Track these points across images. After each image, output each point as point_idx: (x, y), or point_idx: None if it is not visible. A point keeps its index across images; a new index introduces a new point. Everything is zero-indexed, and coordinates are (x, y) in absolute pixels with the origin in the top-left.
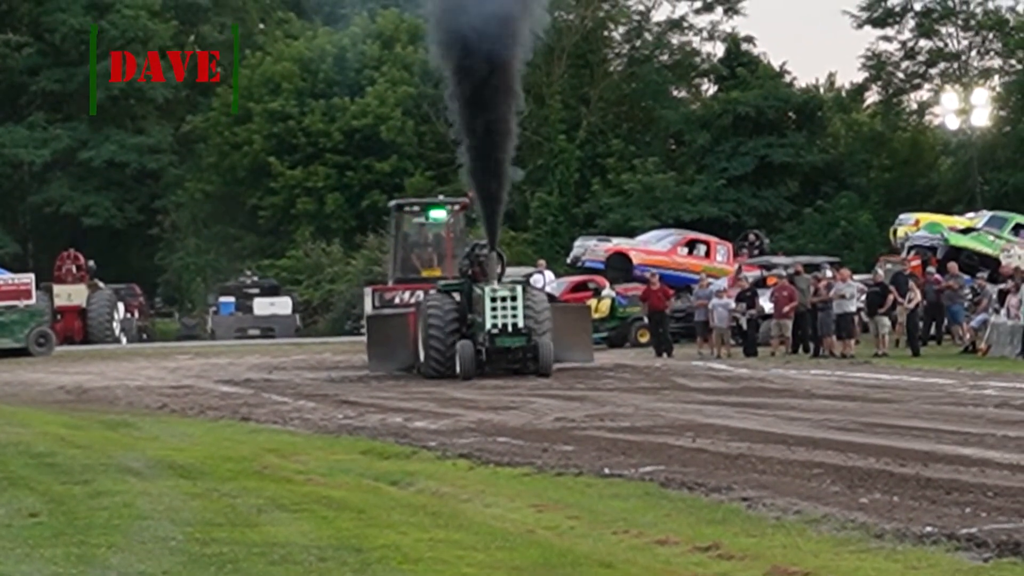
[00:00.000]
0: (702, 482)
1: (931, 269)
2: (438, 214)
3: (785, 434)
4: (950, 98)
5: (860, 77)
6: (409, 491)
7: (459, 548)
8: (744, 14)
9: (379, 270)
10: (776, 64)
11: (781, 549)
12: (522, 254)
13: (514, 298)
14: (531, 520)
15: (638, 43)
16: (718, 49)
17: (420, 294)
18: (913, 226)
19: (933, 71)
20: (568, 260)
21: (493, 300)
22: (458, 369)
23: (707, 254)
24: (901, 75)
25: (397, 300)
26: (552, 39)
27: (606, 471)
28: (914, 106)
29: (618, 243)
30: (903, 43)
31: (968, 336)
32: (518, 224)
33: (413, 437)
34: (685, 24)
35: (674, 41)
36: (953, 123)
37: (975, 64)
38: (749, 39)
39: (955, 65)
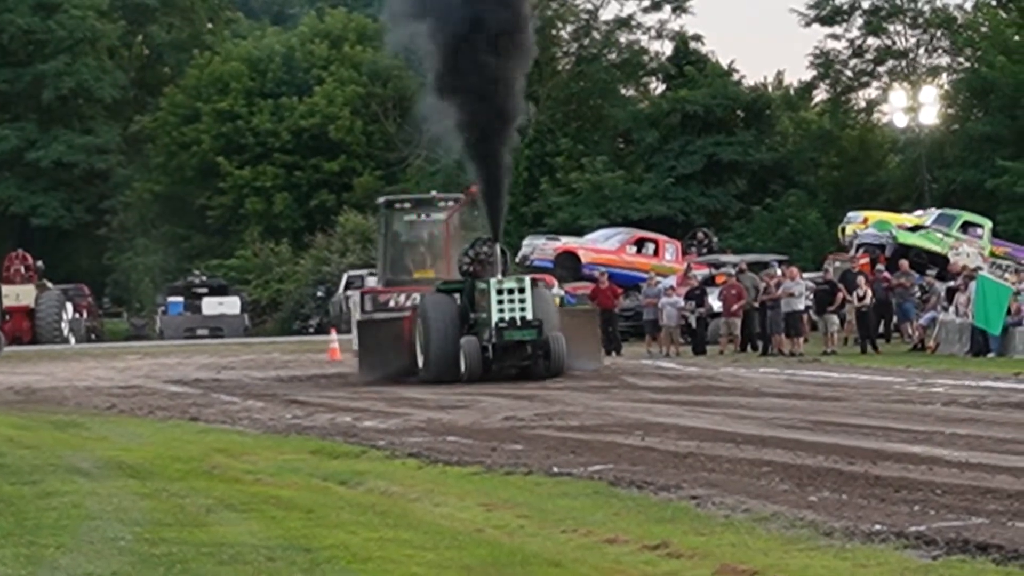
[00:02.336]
0: (651, 481)
1: (880, 267)
2: (430, 212)
3: (734, 432)
4: (898, 96)
5: (808, 75)
6: (358, 490)
7: (408, 547)
8: (692, 12)
9: (328, 270)
10: (724, 62)
11: (730, 547)
12: None
13: (522, 290)
14: (480, 519)
15: (586, 42)
16: (666, 47)
17: (416, 296)
18: (862, 224)
19: (881, 69)
20: (517, 259)
21: (500, 293)
22: (463, 369)
23: (656, 252)
24: (849, 73)
25: (392, 303)
26: None
27: (555, 470)
28: (862, 104)
29: (567, 242)
30: (851, 41)
31: (917, 334)
32: (465, 224)
33: (362, 436)
34: (633, 23)
35: (622, 40)
36: (901, 121)
37: (923, 62)
38: (697, 37)
39: (903, 63)
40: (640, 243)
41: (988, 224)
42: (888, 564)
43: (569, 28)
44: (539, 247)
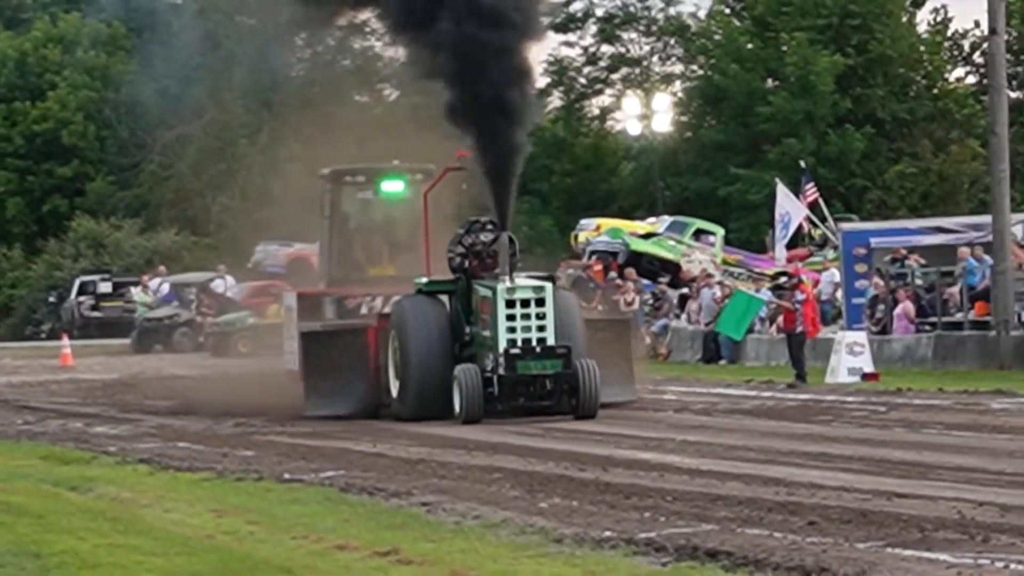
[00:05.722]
0: (382, 487)
1: (612, 274)
2: (393, 187)
3: (465, 439)
4: (632, 103)
5: (542, 82)
6: (89, 496)
7: (138, 553)
8: None
9: (60, 275)
10: None
11: (460, 554)
12: (203, 259)
13: (541, 301)
14: (211, 525)
15: (320, 48)
16: (400, 53)
17: (378, 301)
18: (594, 231)
19: (615, 76)
20: (249, 265)
21: (511, 305)
22: (457, 407)
23: None
24: (583, 80)
25: (365, 310)
26: (234, 43)
27: (286, 476)
28: (596, 111)
29: (299, 248)
30: (585, 48)
31: (649, 341)
32: (199, 229)
33: (93, 442)
34: (367, 29)
35: (356, 46)
36: (635, 128)
37: (656, 69)
38: None
39: (637, 70)
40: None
41: (720, 232)
42: (618, 571)
43: (303, 34)
44: (272, 253)
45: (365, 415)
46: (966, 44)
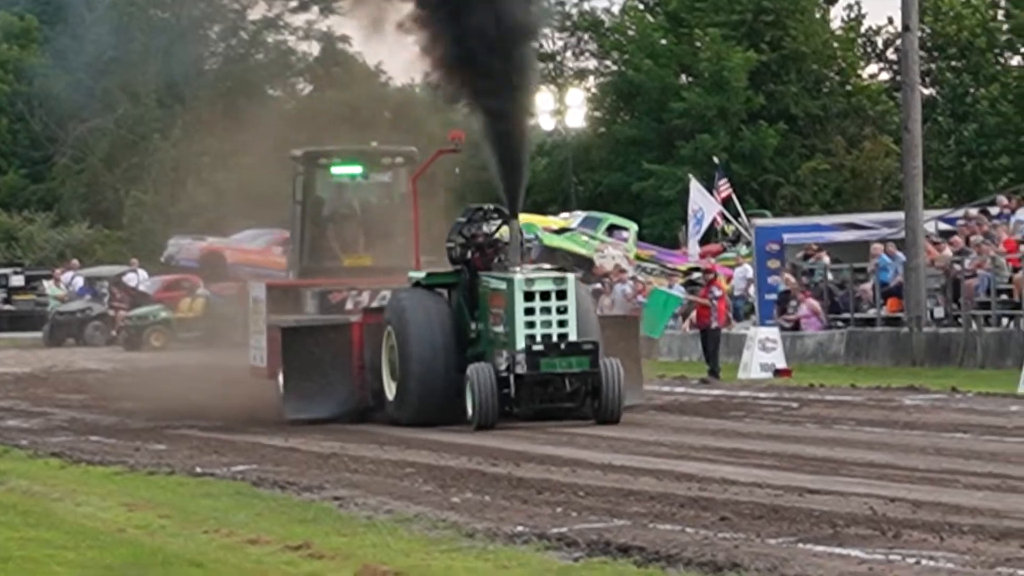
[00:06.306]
0: (294, 481)
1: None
2: (370, 172)
3: (377, 433)
4: (545, 98)
5: None
6: (0, 490)
7: (50, 547)
8: (340, 13)
9: None
10: (372, 64)
11: (372, 548)
12: (116, 253)
13: (562, 294)
14: (122, 519)
15: (234, 41)
16: (314, 48)
17: (371, 295)
18: None
19: None
20: (162, 259)
21: (530, 297)
22: (470, 410)
23: None
24: None
25: (350, 304)
26: (148, 37)
27: (198, 470)
28: None
29: (212, 242)
30: None
31: None
32: (112, 223)
33: (5, 436)
34: (281, 23)
35: (270, 40)
36: (548, 123)
37: (570, 65)
38: (345, 38)
39: (550, 65)
40: (287, 243)
41: (634, 227)
42: (530, 565)
43: (217, 28)
44: (185, 247)
45: (348, 418)
46: (879, 41)
